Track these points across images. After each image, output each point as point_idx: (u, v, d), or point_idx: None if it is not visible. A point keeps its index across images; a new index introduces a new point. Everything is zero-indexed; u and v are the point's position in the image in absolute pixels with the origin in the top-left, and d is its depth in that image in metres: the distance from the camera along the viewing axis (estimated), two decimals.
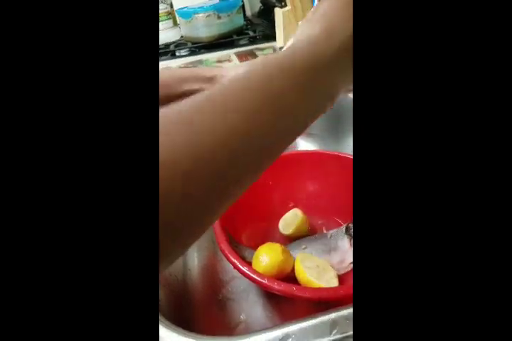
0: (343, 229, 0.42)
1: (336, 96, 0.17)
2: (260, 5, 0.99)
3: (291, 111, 0.14)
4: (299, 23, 0.17)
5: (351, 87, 0.17)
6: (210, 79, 0.22)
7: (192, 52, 0.83)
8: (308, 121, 0.16)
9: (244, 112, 0.13)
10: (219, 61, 0.74)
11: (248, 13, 1.04)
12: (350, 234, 0.41)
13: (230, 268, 0.36)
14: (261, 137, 0.13)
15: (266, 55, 0.15)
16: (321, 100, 0.16)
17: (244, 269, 0.32)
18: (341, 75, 0.16)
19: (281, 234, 0.47)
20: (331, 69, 0.16)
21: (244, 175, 0.14)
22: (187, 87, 0.22)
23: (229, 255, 0.34)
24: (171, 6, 0.96)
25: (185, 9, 0.85)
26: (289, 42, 0.17)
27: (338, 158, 0.48)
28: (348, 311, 0.25)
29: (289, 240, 0.46)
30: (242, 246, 0.42)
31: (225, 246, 0.35)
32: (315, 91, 0.15)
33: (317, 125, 0.66)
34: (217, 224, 0.38)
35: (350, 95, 0.53)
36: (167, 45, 0.90)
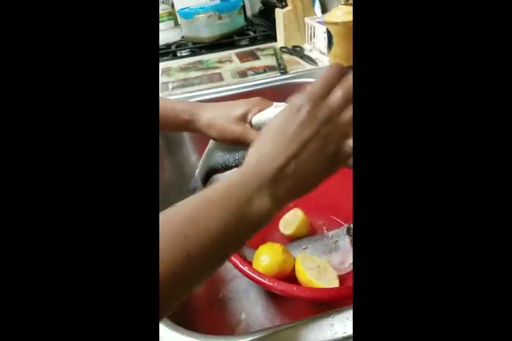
0: (345, 229, 0.42)
1: (269, 215, 0.19)
2: (261, 5, 0.99)
3: (229, 232, 0.17)
4: None
5: (283, 207, 0.20)
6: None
7: (193, 53, 0.83)
8: (249, 234, 0.19)
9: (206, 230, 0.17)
10: (220, 61, 0.74)
11: (249, 13, 1.04)
12: (351, 235, 0.41)
13: (231, 267, 0.36)
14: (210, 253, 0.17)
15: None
16: (255, 218, 0.19)
17: (245, 269, 0.32)
18: (271, 199, 0.19)
19: (282, 234, 0.47)
20: (259, 195, 0.18)
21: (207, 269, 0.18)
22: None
23: None
24: (172, 6, 0.97)
25: (187, 10, 0.85)
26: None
27: None
28: (348, 311, 0.25)
29: (289, 240, 0.46)
30: None
31: None
32: (246, 215, 0.18)
33: None
34: None
35: None
36: (168, 46, 0.90)
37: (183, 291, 0.17)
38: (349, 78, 0.21)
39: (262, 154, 0.20)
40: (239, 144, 0.29)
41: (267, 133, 0.20)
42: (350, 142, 0.20)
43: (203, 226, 0.17)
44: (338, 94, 0.20)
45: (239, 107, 0.29)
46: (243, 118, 0.29)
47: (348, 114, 0.20)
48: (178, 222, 0.17)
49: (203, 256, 0.17)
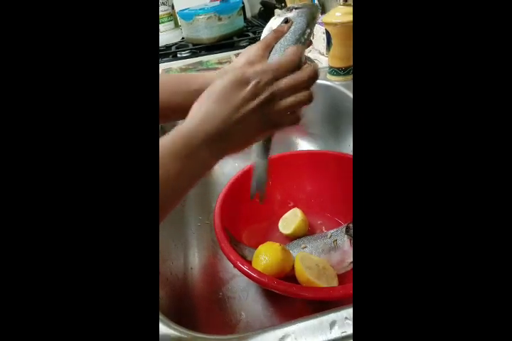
0: (344, 229, 0.42)
1: (210, 165, 0.24)
2: (260, 6, 0.99)
3: (181, 171, 0.22)
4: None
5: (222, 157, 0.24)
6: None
7: (193, 54, 0.83)
8: (192, 180, 0.23)
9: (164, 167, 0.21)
10: (219, 62, 0.74)
11: (248, 14, 1.05)
12: (350, 234, 0.41)
13: (231, 267, 0.37)
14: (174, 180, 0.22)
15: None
16: (198, 167, 0.23)
17: (245, 268, 0.32)
18: (211, 153, 0.23)
19: (281, 234, 0.47)
20: (203, 147, 0.22)
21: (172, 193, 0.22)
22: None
23: (229, 254, 0.34)
24: (173, 7, 0.97)
25: (187, 11, 0.85)
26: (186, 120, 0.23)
27: (338, 158, 0.48)
28: (348, 311, 0.25)
29: (288, 239, 0.46)
30: (242, 245, 0.42)
31: (225, 245, 0.35)
32: (193, 161, 0.22)
33: (317, 125, 0.66)
34: (218, 224, 0.39)
35: (350, 95, 0.54)
36: (168, 47, 0.90)
37: (165, 199, 0.21)
38: (305, 70, 0.24)
39: (207, 113, 0.23)
40: None
41: (214, 95, 0.23)
42: (283, 118, 0.24)
43: (162, 164, 0.20)
44: (288, 81, 0.23)
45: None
46: None
47: (289, 100, 0.23)
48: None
49: (167, 184, 0.20)
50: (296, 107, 0.24)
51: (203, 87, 0.27)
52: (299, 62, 0.24)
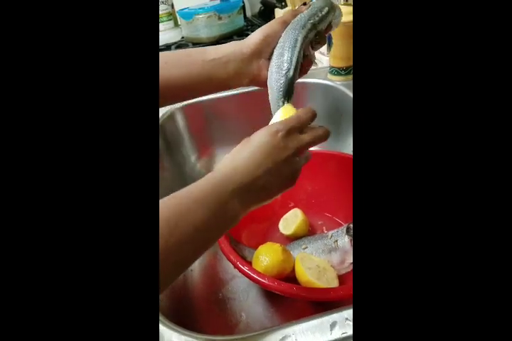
0: (344, 229, 0.42)
1: (238, 217, 0.23)
2: (260, 6, 0.99)
3: (209, 226, 0.21)
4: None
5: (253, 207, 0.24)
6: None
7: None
8: (220, 233, 0.23)
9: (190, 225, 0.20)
10: None
11: (248, 13, 1.05)
12: (350, 235, 0.41)
13: (231, 267, 0.37)
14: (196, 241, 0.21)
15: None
16: (228, 217, 0.22)
17: (245, 269, 0.32)
18: (240, 204, 0.22)
19: (282, 234, 0.47)
20: (232, 199, 0.22)
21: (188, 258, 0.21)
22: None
23: (229, 254, 0.34)
24: (172, 6, 0.97)
25: (186, 10, 0.85)
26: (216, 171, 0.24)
27: (338, 158, 0.48)
28: (348, 311, 0.25)
29: (289, 240, 0.46)
30: (242, 245, 0.42)
31: (225, 245, 0.35)
32: (222, 211, 0.22)
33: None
34: None
35: (351, 95, 0.53)
36: (168, 46, 0.90)
37: (175, 271, 0.20)
38: (322, 129, 0.26)
39: (240, 164, 0.23)
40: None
41: (248, 146, 0.24)
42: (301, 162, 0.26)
43: (189, 219, 0.20)
44: (306, 137, 0.25)
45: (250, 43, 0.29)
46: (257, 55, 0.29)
47: (307, 155, 0.26)
48: (168, 213, 0.19)
49: (189, 243, 0.20)
50: (307, 160, 0.26)
51: (218, 57, 0.28)
52: (315, 115, 0.26)
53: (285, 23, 0.29)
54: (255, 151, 0.23)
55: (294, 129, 0.24)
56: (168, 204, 0.20)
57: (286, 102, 0.29)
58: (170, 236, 0.18)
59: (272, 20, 0.30)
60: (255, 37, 0.29)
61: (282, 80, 0.29)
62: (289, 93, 0.30)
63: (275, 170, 0.23)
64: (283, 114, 0.28)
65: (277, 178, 0.24)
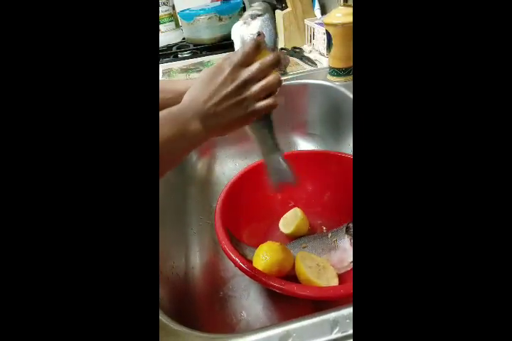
0: (344, 228, 0.42)
1: (201, 138, 0.28)
2: None
3: (173, 143, 0.26)
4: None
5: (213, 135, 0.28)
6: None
7: (194, 54, 0.83)
8: (185, 151, 0.28)
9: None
10: None
11: None
12: (350, 234, 0.41)
13: (232, 266, 0.37)
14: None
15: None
16: (191, 137, 0.27)
17: (245, 267, 0.32)
18: (202, 127, 0.27)
19: (282, 233, 0.48)
20: (194, 121, 0.27)
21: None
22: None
23: (230, 253, 0.34)
24: (173, 8, 0.97)
25: (187, 11, 0.85)
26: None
27: (338, 158, 0.48)
28: (348, 310, 0.25)
29: (289, 239, 0.46)
30: (243, 244, 0.42)
31: (226, 244, 0.36)
32: (183, 134, 0.26)
33: (317, 125, 0.66)
34: (218, 223, 0.39)
35: (350, 95, 0.54)
36: (169, 47, 0.90)
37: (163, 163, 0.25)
38: (270, 57, 0.27)
39: (194, 96, 0.27)
40: None
41: (199, 82, 0.28)
42: (258, 104, 0.28)
43: (160, 134, 0.24)
44: (255, 66, 0.27)
45: None
46: None
47: (260, 84, 0.27)
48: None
49: (162, 152, 0.23)
50: (267, 90, 0.28)
51: (175, 96, 0.32)
52: (259, 49, 0.28)
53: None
54: (205, 85, 0.27)
55: (238, 65, 0.27)
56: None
57: None
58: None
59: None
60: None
61: None
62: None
63: (224, 101, 0.26)
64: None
65: (228, 108, 0.27)
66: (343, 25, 0.52)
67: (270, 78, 0.27)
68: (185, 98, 0.28)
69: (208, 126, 0.27)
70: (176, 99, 0.32)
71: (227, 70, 0.27)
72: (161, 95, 0.35)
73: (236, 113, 0.27)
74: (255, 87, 0.27)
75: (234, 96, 0.27)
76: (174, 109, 0.27)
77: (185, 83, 0.36)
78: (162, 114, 0.26)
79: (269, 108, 0.28)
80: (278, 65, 0.28)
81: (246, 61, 0.27)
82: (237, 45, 0.31)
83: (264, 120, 0.31)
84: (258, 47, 0.27)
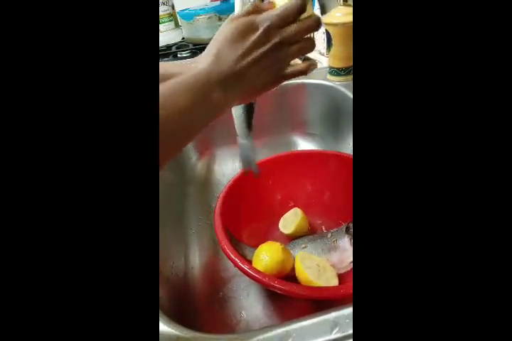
0: (343, 228, 0.42)
1: (222, 107, 0.24)
2: None
3: (193, 108, 0.22)
4: None
5: (238, 102, 0.25)
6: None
7: (193, 54, 0.83)
8: (205, 121, 0.24)
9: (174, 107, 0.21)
10: None
11: None
12: (350, 234, 0.41)
13: (231, 266, 0.37)
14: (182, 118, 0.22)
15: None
16: (211, 107, 0.23)
17: (245, 267, 0.32)
18: (224, 94, 0.23)
19: (282, 233, 0.47)
20: (216, 88, 0.23)
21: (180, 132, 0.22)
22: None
23: (230, 253, 0.34)
24: (173, 7, 0.97)
25: (187, 11, 0.85)
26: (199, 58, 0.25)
27: (338, 158, 0.48)
28: (348, 310, 0.25)
29: (289, 239, 0.46)
30: (242, 244, 0.42)
31: (225, 244, 0.36)
32: (206, 101, 0.23)
33: (317, 125, 0.66)
34: (218, 223, 0.39)
35: (350, 95, 0.54)
36: (169, 47, 0.90)
37: (172, 141, 0.22)
38: (310, 18, 0.25)
39: (218, 55, 0.23)
40: None
41: (223, 39, 0.24)
42: (291, 68, 0.25)
43: (176, 100, 0.21)
44: (293, 28, 0.24)
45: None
46: None
47: (296, 47, 0.25)
48: (162, 94, 0.21)
49: (175, 122, 0.21)
50: (301, 53, 0.26)
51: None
52: (303, 6, 0.24)
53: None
54: (234, 43, 0.23)
55: (277, 24, 0.24)
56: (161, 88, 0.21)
57: None
58: (163, 109, 0.19)
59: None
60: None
61: None
62: None
63: (255, 63, 0.23)
64: None
65: (258, 71, 0.24)
66: (343, 24, 0.52)
67: (305, 43, 0.25)
68: (206, 58, 0.24)
69: (229, 92, 0.24)
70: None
71: (261, 29, 0.23)
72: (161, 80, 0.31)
73: (266, 77, 0.25)
74: (290, 50, 0.24)
75: (267, 58, 0.24)
76: (192, 71, 0.23)
77: (188, 67, 0.32)
78: (179, 80, 0.22)
79: (300, 73, 0.26)
80: (318, 29, 0.25)
81: (284, 23, 0.24)
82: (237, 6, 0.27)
83: (248, 105, 0.30)
84: (301, 9, 0.24)
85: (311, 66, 0.26)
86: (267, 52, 0.23)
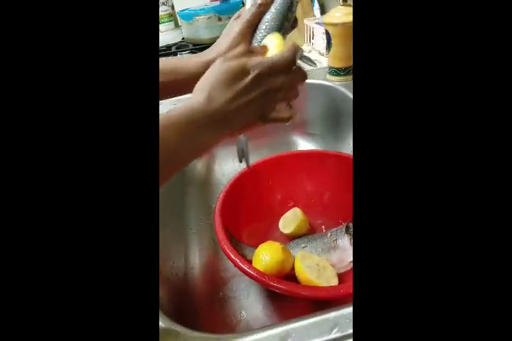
0: (343, 228, 0.42)
1: (208, 145, 0.26)
2: None
3: (181, 146, 0.24)
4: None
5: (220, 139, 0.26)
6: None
7: (193, 54, 0.83)
8: (190, 156, 0.26)
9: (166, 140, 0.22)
10: None
11: None
12: (350, 233, 0.41)
13: (231, 266, 0.37)
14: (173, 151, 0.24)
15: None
16: (197, 145, 0.25)
17: (245, 267, 0.32)
18: (213, 132, 0.25)
19: (281, 233, 0.48)
20: (205, 127, 0.24)
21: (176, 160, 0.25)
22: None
23: (230, 253, 0.34)
24: (173, 7, 0.97)
25: (187, 11, 0.85)
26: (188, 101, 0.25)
27: (338, 158, 0.48)
28: (348, 310, 0.25)
29: (288, 239, 0.46)
30: (242, 244, 0.42)
31: (225, 244, 0.36)
32: (194, 139, 0.24)
33: (317, 125, 0.66)
34: (218, 223, 0.39)
35: (350, 95, 0.54)
36: (169, 47, 0.90)
37: (170, 166, 0.24)
38: (299, 72, 0.27)
39: (213, 97, 0.25)
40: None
41: (217, 81, 0.25)
42: (272, 114, 0.27)
43: (166, 138, 0.22)
44: (281, 78, 0.26)
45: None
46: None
47: (281, 94, 0.26)
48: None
49: (167, 154, 0.22)
50: (285, 101, 0.28)
51: (187, 78, 0.30)
52: (294, 60, 0.27)
53: (252, 27, 0.30)
54: (227, 85, 0.25)
55: (268, 71, 0.25)
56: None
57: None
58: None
59: (237, 23, 0.30)
60: (225, 46, 0.30)
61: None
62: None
63: (243, 105, 0.25)
64: (276, 43, 0.28)
65: (245, 113, 0.25)
66: (342, 24, 0.52)
67: (290, 92, 0.27)
68: (200, 96, 0.25)
69: (217, 131, 0.26)
70: (188, 81, 0.30)
71: (252, 74, 0.25)
72: (172, 76, 0.32)
73: (251, 119, 0.26)
74: (276, 97, 0.26)
75: (254, 102, 0.25)
76: (186, 109, 0.24)
77: (196, 64, 0.32)
78: (172, 118, 0.24)
79: (282, 120, 0.28)
80: (304, 82, 0.28)
81: (274, 73, 0.26)
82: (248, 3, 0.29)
83: None
84: (291, 64, 0.26)
85: (293, 116, 0.28)
86: (255, 97, 0.25)
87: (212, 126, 0.25)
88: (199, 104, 0.25)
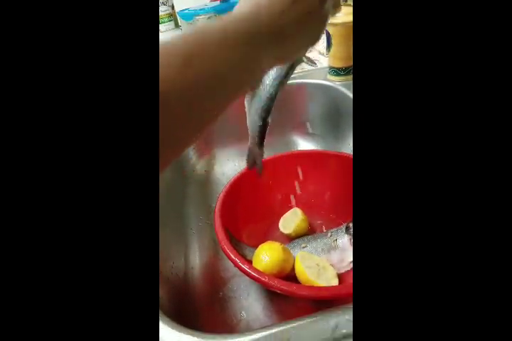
0: (343, 228, 0.42)
1: (262, 67, 0.20)
2: None
3: (226, 67, 0.18)
4: None
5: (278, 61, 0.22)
6: None
7: None
8: (240, 84, 0.20)
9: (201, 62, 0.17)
10: None
11: None
12: (350, 233, 0.41)
13: (231, 266, 0.37)
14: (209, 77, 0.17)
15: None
16: (255, 67, 0.20)
17: (245, 267, 0.32)
18: (265, 50, 0.19)
19: (281, 233, 0.48)
20: (257, 44, 0.19)
21: (205, 100, 0.18)
22: None
23: (230, 253, 0.34)
24: (173, 7, 0.97)
25: (187, 11, 0.85)
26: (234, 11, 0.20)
27: (338, 158, 0.48)
28: (348, 310, 0.25)
29: (288, 239, 0.46)
30: (242, 244, 0.42)
31: (226, 244, 0.36)
32: (245, 59, 0.19)
33: (317, 125, 0.66)
34: (218, 223, 0.39)
35: (350, 95, 0.54)
36: None
37: (185, 121, 0.17)
38: None
39: (266, 5, 0.19)
40: None
41: None
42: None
43: (208, 60, 0.17)
44: None
45: None
46: None
47: (330, 3, 0.22)
48: (184, 50, 0.17)
49: (206, 86, 0.17)
50: (335, 12, 0.24)
51: None
52: None
53: None
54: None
55: None
56: (187, 36, 0.18)
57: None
58: (186, 67, 0.16)
59: None
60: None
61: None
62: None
63: (304, 21, 0.20)
64: None
65: (299, 23, 0.21)
66: (342, 24, 0.52)
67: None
68: (244, 7, 0.20)
69: (273, 51, 0.20)
70: None
71: None
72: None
73: (314, 36, 0.22)
74: (327, 7, 0.22)
75: (315, 16, 0.21)
76: (244, 22, 0.19)
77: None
78: (232, 29, 0.18)
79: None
80: None
81: None
82: None
83: (263, 121, 0.31)
84: None
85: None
86: (315, 8, 0.21)
87: (269, 42, 0.19)
88: (252, 14, 0.19)
